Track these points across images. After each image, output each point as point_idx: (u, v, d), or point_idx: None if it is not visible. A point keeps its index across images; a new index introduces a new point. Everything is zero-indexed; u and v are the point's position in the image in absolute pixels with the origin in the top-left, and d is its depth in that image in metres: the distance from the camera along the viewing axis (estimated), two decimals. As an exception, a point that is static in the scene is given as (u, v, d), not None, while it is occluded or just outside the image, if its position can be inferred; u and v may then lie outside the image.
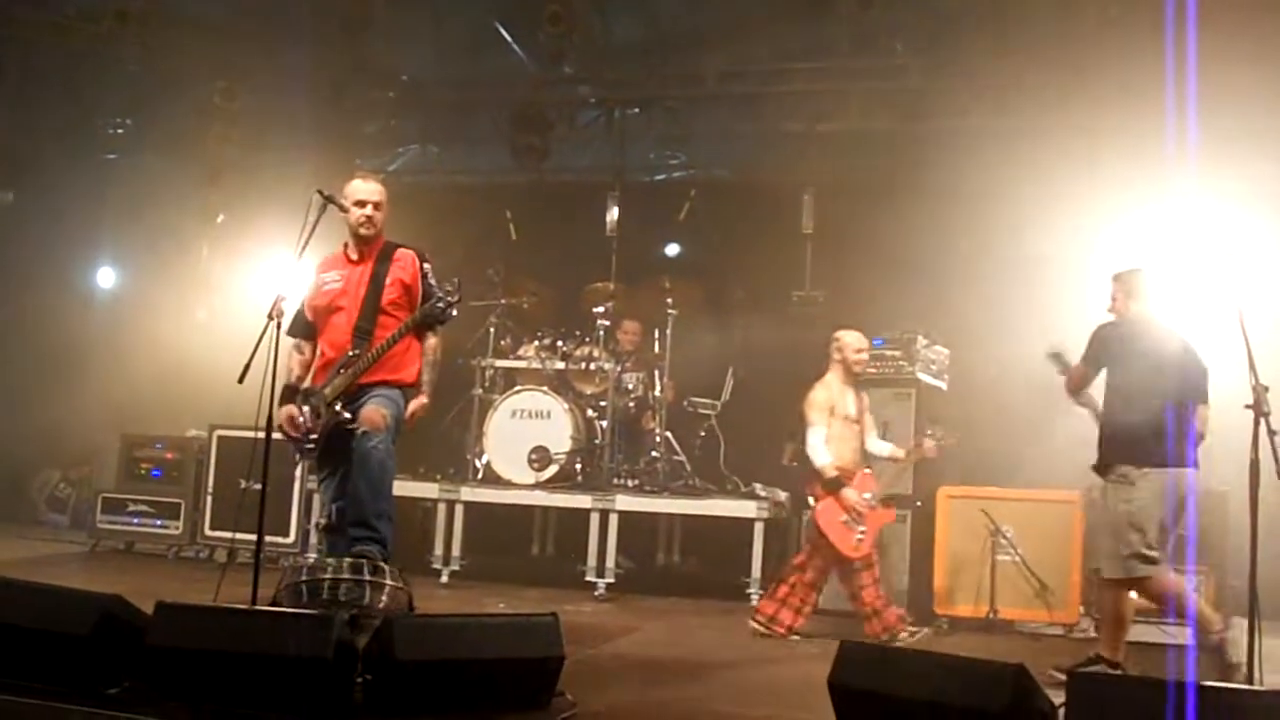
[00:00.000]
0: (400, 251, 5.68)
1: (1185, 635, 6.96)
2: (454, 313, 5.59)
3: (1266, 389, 4.51)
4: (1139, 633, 7.18)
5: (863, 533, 6.66)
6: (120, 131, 11.45)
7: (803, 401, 6.84)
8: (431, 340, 5.67)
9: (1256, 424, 4.41)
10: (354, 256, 5.67)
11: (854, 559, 6.67)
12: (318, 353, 5.69)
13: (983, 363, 7.50)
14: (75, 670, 4.03)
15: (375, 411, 5.37)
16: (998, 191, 8.26)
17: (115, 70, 10.45)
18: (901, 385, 7.88)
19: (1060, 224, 8.00)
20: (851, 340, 6.95)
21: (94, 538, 9.40)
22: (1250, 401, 4.52)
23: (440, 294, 5.50)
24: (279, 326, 5.03)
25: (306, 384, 5.64)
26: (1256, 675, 4.16)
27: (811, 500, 6.86)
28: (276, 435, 5.14)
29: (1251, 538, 4.30)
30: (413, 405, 5.60)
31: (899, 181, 9.39)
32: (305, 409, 5.51)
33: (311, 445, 5.54)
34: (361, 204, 5.60)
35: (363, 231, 5.61)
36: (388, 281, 5.58)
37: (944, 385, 8.19)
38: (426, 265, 5.68)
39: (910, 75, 9.42)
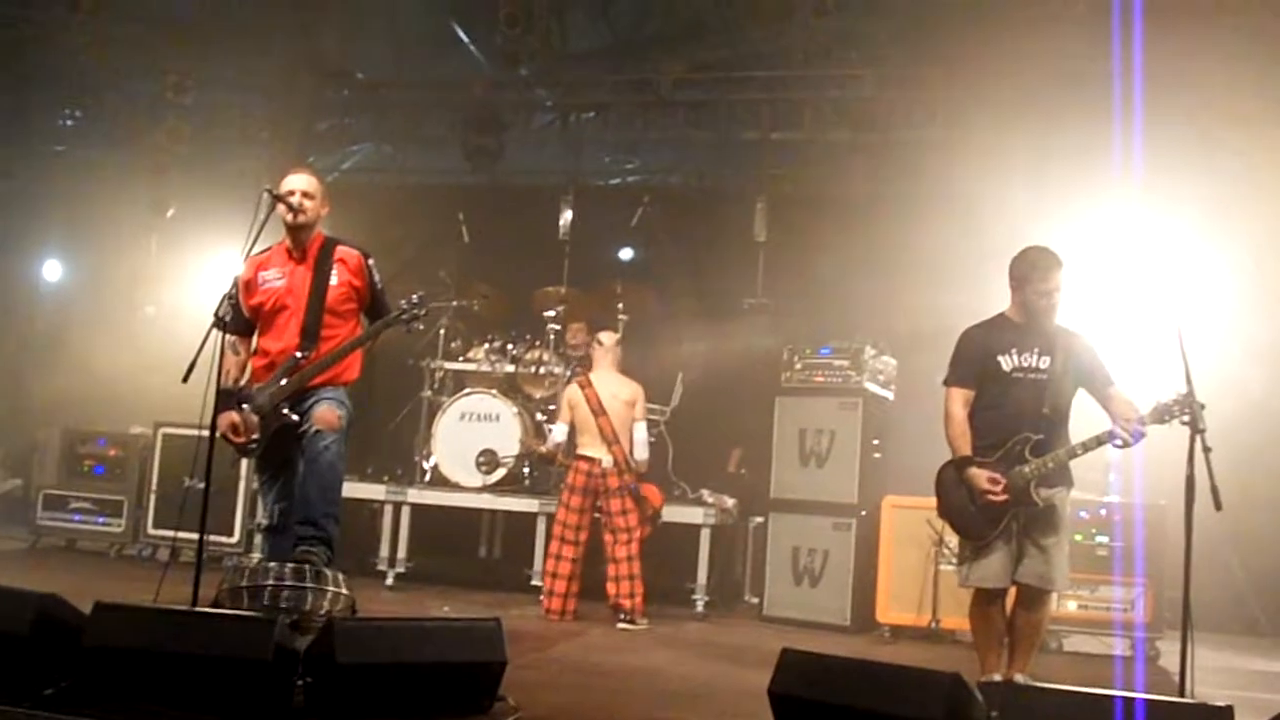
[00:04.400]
0: (343, 250, 5.50)
1: (1121, 646, 7.13)
2: (420, 326, 5.55)
3: (1203, 406, 4.59)
4: (1078, 643, 7.32)
5: None
6: (69, 123, 11.30)
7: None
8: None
9: (1192, 441, 4.49)
10: (295, 254, 5.47)
11: None
12: (254, 351, 5.51)
13: (930, 373, 7.56)
14: (11, 670, 3.97)
15: (330, 412, 5.26)
16: (948, 203, 8.35)
17: (65, 61, 10.31)
18: (848, 395, 7.87)
19: (1008, 236, 8.09)
20: None
21: (34, 534, 9.27)
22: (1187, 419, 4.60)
23: (406, 307, 5.38)
24: (224, 326, 4.98)
25: (243, 384, 5.45)
26: (1188, 687, 4.24)
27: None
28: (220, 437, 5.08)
29: (1186, 552, 4.38)
30: None
31: (852, 192, 9.47)
32: (246, 409, 5.32)
33: (254, 447, 5.42)
34: (290, 193, 5.38)
35: (288, 220, 5.38)
36: (334, 282, 5.43)
37: (890, 395, 8.27)
38: (371, 262, 5.55)
39: (864, 86, 9.51)
